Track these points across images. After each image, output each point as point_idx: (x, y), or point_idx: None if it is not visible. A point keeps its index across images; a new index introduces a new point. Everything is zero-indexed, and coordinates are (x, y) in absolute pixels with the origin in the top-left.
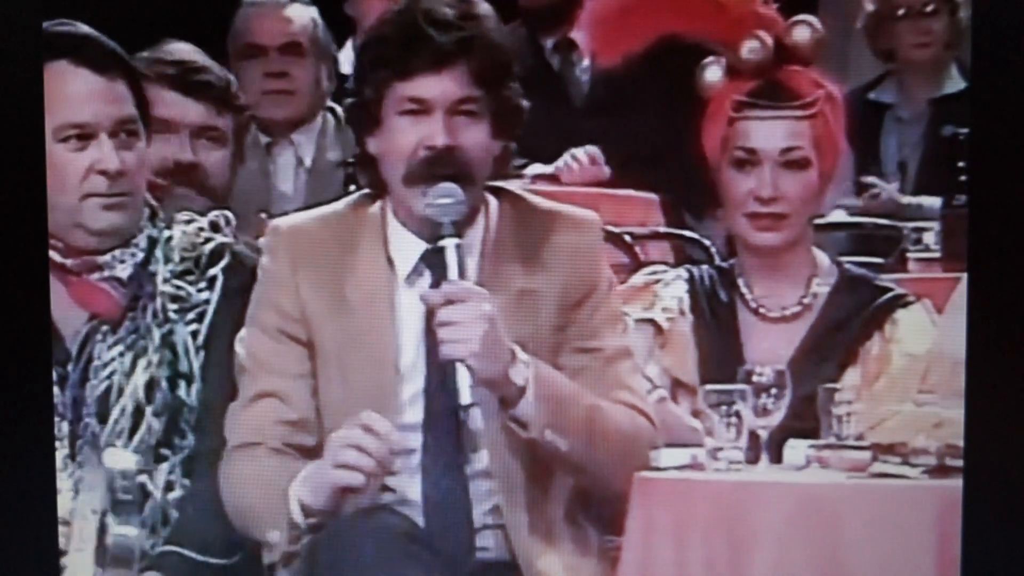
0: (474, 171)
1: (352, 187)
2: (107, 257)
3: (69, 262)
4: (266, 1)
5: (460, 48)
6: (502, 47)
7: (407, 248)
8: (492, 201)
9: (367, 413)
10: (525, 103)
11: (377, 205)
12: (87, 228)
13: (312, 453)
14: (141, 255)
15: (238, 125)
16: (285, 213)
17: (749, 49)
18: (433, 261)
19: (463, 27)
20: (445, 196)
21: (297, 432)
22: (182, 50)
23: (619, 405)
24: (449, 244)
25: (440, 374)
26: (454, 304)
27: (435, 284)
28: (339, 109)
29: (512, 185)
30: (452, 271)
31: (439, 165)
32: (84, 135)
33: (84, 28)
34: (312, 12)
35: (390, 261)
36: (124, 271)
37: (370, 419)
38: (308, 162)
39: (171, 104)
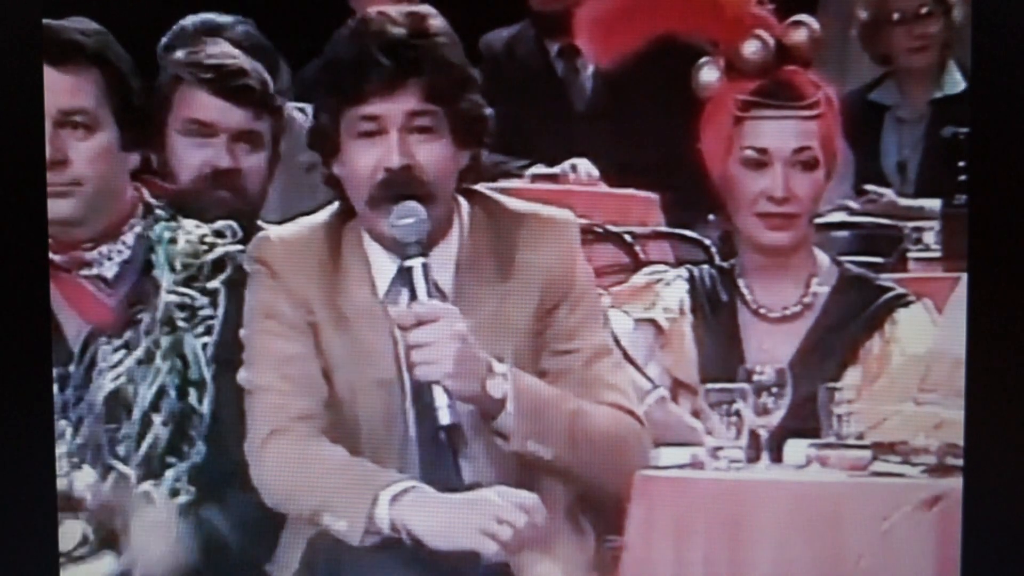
0: (435, 188)
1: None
2: (94, 253)
3: (58, 258)
4: None
5: (410, 69)
6: (454, 63)
7: (383, 265)
8: (465, 208)
9: (525, 493)
10: (488, 111)
11: (355, 219)
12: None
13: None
14: (128, 252)
15: (276, 127)
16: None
17: (752, 49)
18: (407, 279)
19: (413, 45)
20: (407, 216)
21: (317, 421)
22: (221, 52)
23: (603, 406)
24: (416, 264)
25: (420, 392)
26: (425, 325)
27: (413, 301)
28: (309, 109)
29: (483, 187)
30: (421, 292)
31: (398, 186)
32: None
33: (44, 20)
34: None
35: (371, 276)
36: (110, 270)
37: (527, 499)
38: None
39: (210, 108)
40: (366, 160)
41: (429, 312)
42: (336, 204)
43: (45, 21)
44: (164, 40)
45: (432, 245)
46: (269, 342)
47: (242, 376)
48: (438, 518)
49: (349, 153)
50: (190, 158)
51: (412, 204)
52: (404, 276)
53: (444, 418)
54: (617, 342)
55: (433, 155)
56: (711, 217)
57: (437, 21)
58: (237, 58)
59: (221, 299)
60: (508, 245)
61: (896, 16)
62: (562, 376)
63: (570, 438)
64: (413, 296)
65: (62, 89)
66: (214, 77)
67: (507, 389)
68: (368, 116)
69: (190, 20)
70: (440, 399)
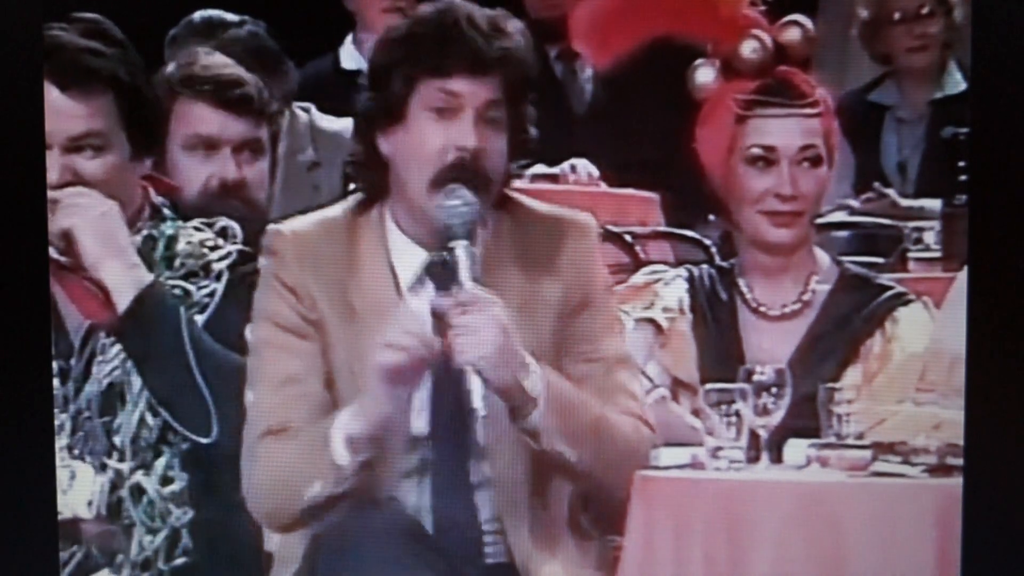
0: (492, 179)
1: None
2: None
3: (64, 259)
4: None
5: (499, 58)
6: (531, 66)
7: (408, 257)
8: (490, 210)
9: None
10: (534, 131)
11: (375, 211)
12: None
13: None
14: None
15: (273, 132)
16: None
17: (751, 49)
18: (435, 271)
19: (501, 39)
20: (458, 200)
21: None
22: (215, 63)
23: (623, 415)
24: (460, 246)
25: (446, 383)
26: (468, 311)
27: (439, 293)
28: (313, 109)
29: (509, 190)
30: (464, 274)
31: (467, 168)
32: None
33: (66, 37)
34: None
35: (392, 269)
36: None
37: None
38: None
39: (211, 122)
40: (437, 138)
41: (474, 297)
42: (352, 197)
43: (59, 38)
44: (172, 31)
45: None
46: (270, 358)
47: (248, 398)
48: (357, 408)
49: (416, 128)
50: (195, 172)
51: (465, 191)
52: (432, 268)
53: (477, 401)
54: None
55: (497, 148)
56: (711, 217)
57: (516, 24)
58: (231, 67)
59: (223, 280)
60: (532, 247)
61: (897, 16)
62: (583, 382)
63: (594, 442)
64: (440, 288)
65: (72, 115)
66: (212, 89)
67: (540, 387)
68: (450, 91)
69: (198, 15)
70: (476, 387)
